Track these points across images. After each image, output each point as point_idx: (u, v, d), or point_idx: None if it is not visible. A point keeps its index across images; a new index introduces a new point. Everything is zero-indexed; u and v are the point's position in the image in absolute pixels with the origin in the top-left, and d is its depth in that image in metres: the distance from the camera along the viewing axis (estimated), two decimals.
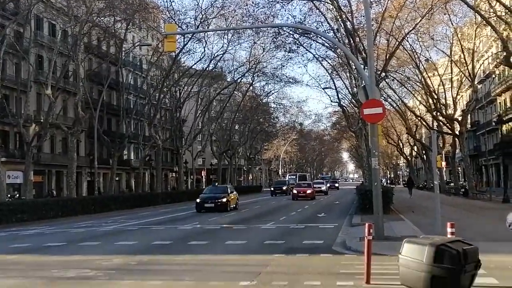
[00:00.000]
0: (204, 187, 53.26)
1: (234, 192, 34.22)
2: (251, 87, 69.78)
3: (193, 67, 57.87)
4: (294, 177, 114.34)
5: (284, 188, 60.81)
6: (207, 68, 57.42)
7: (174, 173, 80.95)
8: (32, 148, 38.06)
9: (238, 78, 63.57)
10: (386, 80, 44.25)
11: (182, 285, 9.35)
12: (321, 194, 56.28)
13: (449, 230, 9.44)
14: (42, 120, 43.91)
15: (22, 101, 43.39)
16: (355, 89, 35.96)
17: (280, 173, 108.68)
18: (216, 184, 45.04)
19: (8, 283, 9.98)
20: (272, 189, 62.78)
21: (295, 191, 46.67)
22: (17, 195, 44.92)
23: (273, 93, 74.14)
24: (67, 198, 36.94)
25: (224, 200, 31.46)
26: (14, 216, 27.85)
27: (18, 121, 38.37)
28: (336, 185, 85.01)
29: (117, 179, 60.93)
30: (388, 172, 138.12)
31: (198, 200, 31.99)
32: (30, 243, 17.19)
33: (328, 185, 70.10)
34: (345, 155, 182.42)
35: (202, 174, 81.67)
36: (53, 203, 32.53)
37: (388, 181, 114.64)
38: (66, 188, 43.46)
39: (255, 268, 10.83)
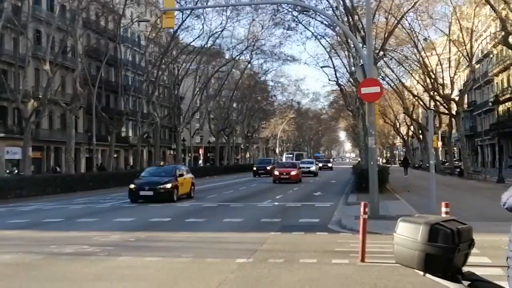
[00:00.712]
0: (201, 165, 53.24)
1: (189, 175, 25.37)
2: (249, 65, 69.52)
3: (191, 44, 57.61)
4: (291, 155, 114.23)
5: (269, 167, 50.76)
6: (206, 45, 57.08)
7: (172, 151, 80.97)
8: (30, 124, 37.95)
9: (237, 55, 63.32)
10: (384, 59, 44.04)
11: (179, 261, 9.41)
12: (310, 175, 49.17)
13: (443, 209, 9.50)
14: (40, 96, 43.70)
15: (20, 77, 43.16)
16: (353, 68, 35.83)
17: (277, 151, 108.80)
18: (162, 164, 35.25)
19: (7, 258, 10.03)
20: (254, 168, 53.34)
21: (276, 172, 38.51)
22: (16, 171, 44.97)
23: (271, 71, 74.21)
24: (66, 175, 36.98)
25: (169, 186, 22.59)
26: (13, 192, 27.89)
27: (16, 96, 38.20)
28: (329, 165, 76.27)
29: (115, 156, 60.93)
30: (385, 152, 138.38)
31: (131, 186, 23.08)
32: (28, 219, 17.24)
33: (320, 165, 65.51)
34: (342, 134, 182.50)
35: (200, 152, 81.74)
36: (51, 179, 32.55)
37: (384, 161, 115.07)
38: (65, 164, 43.50)
39: (252, 246, 10.90)
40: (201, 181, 42.55)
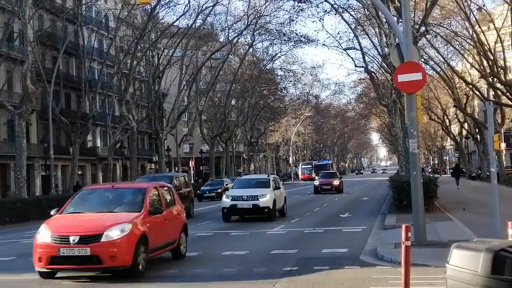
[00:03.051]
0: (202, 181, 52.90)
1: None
2: (250, 49, 69.58)
3: (175, 24, 57.72)
4: (310, 166, 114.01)
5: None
6: (193, 25, 57.22)
7: (153, 164, 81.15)
8: None
9: (234, 37, 63.42)
10: (427, 36, 43.94)
11: None
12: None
13: (510, 231, 9.44)
14: None
15: None
16: (386, 49, 35.78)
17: (290, 161, 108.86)
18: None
19: None
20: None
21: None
22: None
23: (279, 57, 73.90)
24: (16, 199, 37.01)
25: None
26: None
27: None
28: (335, 182, 51.64)
29: (79, 172, 61.12)
30: (431, 158, 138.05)
31: None
32: None
33: (317, 182, 52.39)
34: (374, 137, 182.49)
35: (191, 165, 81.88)
36: None
37: (431, 170, 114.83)
38: (14, 185, 43.61)
39: (260, 286, 10.86)
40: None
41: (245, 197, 25.07)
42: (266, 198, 25.10)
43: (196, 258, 15.16)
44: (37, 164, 55.98)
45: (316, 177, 59.15)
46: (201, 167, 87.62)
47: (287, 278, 11.72)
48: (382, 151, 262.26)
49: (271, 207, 25.03)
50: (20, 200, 35.72)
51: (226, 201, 25.74)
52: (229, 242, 18.19)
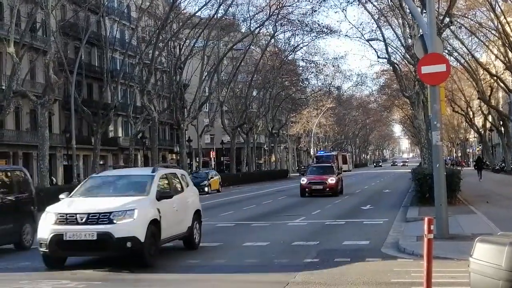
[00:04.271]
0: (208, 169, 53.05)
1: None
2: (272, 40, 69.50)
3: (196, 14, 57.74)
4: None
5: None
6: (215, 16, 57.24)
7: (174, 154, 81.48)
8: None
9: (256, 28, 63.30)
10: (451, 27, 43.63)
11: None
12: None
13: None
14: (3, 87, 44.29)
15: None
16: (409, 40, 35.55)
17: (312, 152, 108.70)
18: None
19: None
20: None
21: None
22: None
23: (301, 48, 73.72)
24: (39, 189, 37.35)
25: None
26: None
27: None
28: (331, 180, 36.28)
29: (101, 162, 61.47)
30: (454, 151, 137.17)
31: None
32: None
33: (304, 180, 37.04)
34: (397, 129, 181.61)
35: (211, 156, 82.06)
36: None
37: (454, 162, 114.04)
38: (37, 175, 43.99)
39: (281, 277, 10.88)
40: (212, 195, 42.80)
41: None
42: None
43: (217, 249, 15.23)
44: (59, 154, 56.44)
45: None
46: (222, 158, 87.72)
47: (307, 270, 11.74)
48: (405, 143, 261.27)
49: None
50: (42, 189, 36.05)
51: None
52: (250, 233, 18.24)
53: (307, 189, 35.72)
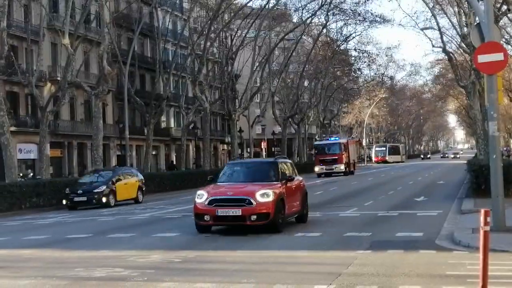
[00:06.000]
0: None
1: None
2: (324, 30, 69.10)
3: (248, 4, 57.84)
4: (384, 149, 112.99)
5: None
6: (267, 6, 57.24)
7: (225, 145, 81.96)
8: (47, 114, 39.21)
9: (308, 18, 63.09)
10: (509, 15, 42.69)
11: None
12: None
13: None
14: (58, 78, 45.18)
15: (33, 54, 44.72)
16: (465, 28, 34.94)
17: (364, 143, 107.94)
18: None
19: (22, 284, 10.42)
20: None
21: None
22: (31, 174, 46.69)
23: (354, 37, 73.19)
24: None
25: None
26: (29, 201, 28.99)
27: (29, 79, 39.60)
28: (262, 196, 16.09)
29: (154, 152, 62.29)
30: (511, 141, 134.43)
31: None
32: (48, 235, 17.93)
33: (205, 195, 16.62)
34: (452, 119, 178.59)
35: (262, 146, 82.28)
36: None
37: (507, 154, 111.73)
38: (91, 165, 44.80)
39: (334, 268, 10.85)
40: None
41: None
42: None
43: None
44: (112, 144, 57.37)
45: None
46: (273, 148, 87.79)
47: (360, 261, 11.68)
48: (459, 134, 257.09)
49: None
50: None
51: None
52: (302, 224, 18.23)
53: (206, 219, 16.29)
